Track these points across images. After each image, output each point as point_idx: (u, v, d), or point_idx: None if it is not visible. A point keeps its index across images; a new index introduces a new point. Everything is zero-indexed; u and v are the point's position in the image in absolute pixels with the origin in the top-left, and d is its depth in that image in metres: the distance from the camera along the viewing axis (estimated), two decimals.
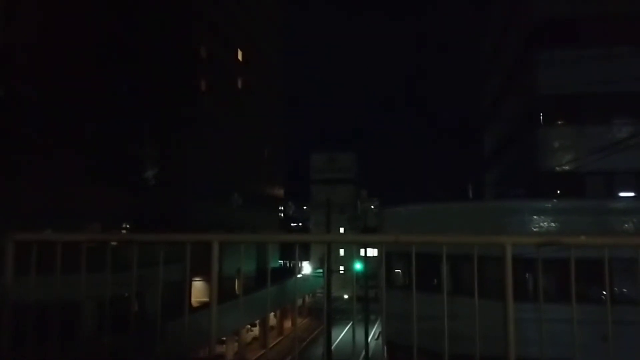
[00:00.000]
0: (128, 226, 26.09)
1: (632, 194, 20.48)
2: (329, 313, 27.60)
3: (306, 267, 66.22)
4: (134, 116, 26.44)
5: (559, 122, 22.76)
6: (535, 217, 16.69)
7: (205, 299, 23.54)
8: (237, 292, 30.66)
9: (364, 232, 38.87)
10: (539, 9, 23.52)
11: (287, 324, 47.00)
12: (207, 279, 22.47)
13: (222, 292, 3.22)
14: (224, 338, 30.46)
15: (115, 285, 3.18)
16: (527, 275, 12.91)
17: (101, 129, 24.15)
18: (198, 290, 27.33)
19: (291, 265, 52.85)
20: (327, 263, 6.30)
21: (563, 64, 21.80)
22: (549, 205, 17.50)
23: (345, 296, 58.04)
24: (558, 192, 21.34)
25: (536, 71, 23.15)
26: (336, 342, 36.73)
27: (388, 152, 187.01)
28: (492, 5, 35.26)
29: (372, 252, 35.64)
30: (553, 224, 16.32)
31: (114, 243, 3.17)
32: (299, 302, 51.43)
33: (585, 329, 3.95)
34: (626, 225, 16.06)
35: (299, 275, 54.53)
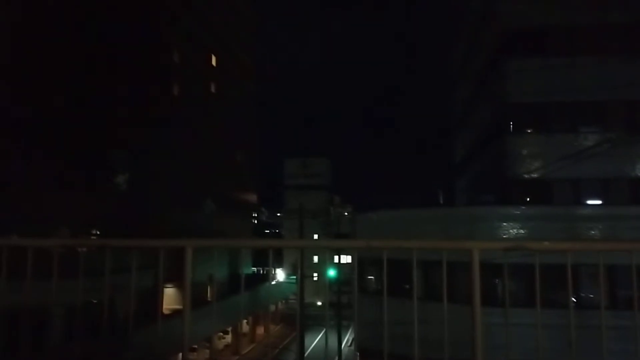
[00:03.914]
0: (98, 233, 25.67)
1: (598, 201, 20.96)
2: (301, 319, 27.53)
3: (279, 274, 65.94)
4: (105, 120, 26.07)
5: (528, 130, 23.19)
6: (504, 223, 17.01)
7: (177, 306, 23.26)
8: (209, 298, 30.36)
9: (337, 239, 38.88)
10: (508, 19, 23.98)
11: (260, 330, 46.69)
12: (178, 285, 22.23)
13: (194, 299, 3.21)
14: (195, 346, 30.12)
15: (87, 292, 3.13)
16: (496, 280, 13.12)
17: (71, 134, 23.75)
18: (169, 297, 26.97)
19: (264, 271, 52.51)
20: (300, 268, 6.30)
21: (532, 73, 22.25)
22: (518, 211, 17.84)
23: (319, 303, 57.98)
24: (527, 198, 21.75)
25: (505, 80, 23.57)
26: (309, 349, 36.63)
27: (362, 159, 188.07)
28: (464, 14, 35.79)
29: (346, 259, 35.71)
30: (522, 230, 16.64)
31: (83, 249, 3.12)
32: (272, 308, 51.14)
33: (552, 334, 4.04)
34: (592, 232, 16.47)
35: (273, 282, 54.20)
